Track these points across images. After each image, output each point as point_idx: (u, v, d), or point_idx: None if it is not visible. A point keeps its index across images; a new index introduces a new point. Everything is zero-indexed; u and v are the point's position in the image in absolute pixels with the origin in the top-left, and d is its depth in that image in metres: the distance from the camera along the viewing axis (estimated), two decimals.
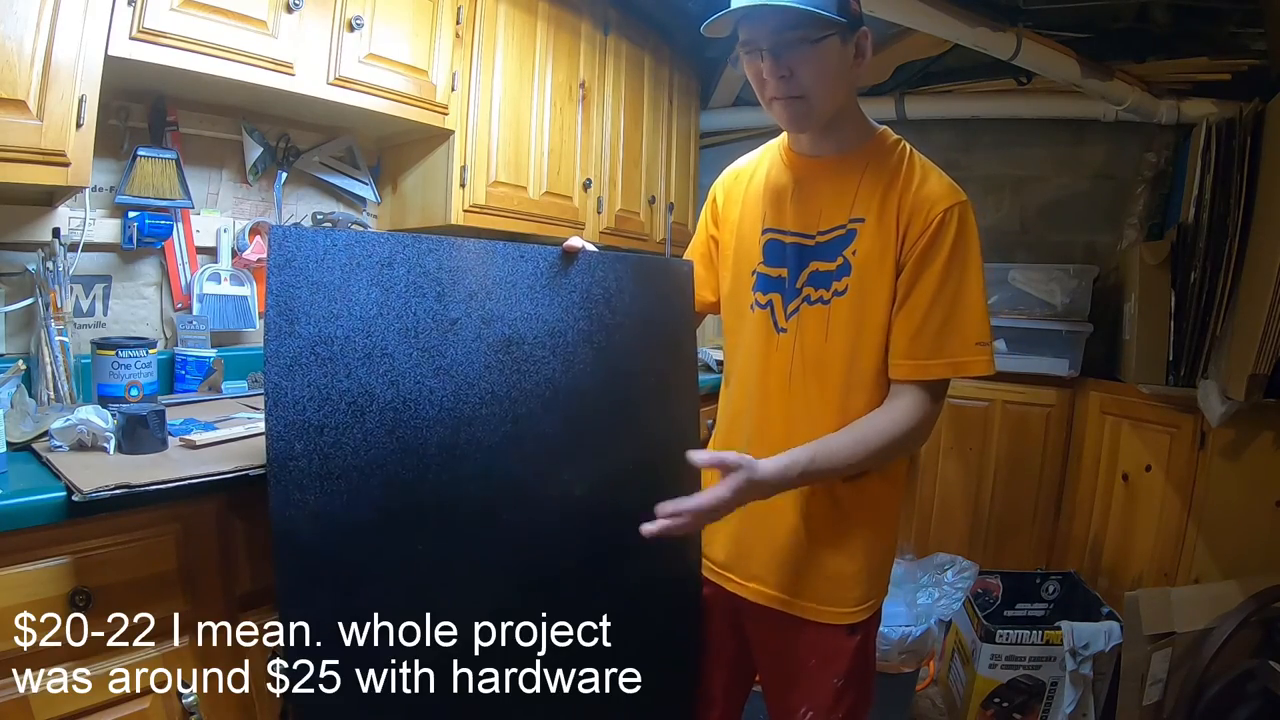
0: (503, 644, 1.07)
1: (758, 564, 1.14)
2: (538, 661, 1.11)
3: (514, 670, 1.08)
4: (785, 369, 1.09)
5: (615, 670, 1.19)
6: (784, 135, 1.16)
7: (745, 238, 1.16)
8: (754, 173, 1.19)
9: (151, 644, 1.02)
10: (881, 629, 1.84)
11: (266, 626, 1.12)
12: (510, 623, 1.07)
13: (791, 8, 0.92)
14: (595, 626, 1.16)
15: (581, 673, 1.15)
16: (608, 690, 1.19)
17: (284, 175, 1.79)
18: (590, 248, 1.13)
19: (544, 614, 1.10)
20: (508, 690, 1.09)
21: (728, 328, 1.21)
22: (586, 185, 2.30)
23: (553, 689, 1.13)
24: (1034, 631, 1.91)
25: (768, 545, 1.13)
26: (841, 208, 1.05)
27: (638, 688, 1.20)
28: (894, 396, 1.03)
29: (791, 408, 1.09)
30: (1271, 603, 1.70)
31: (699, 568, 1.26)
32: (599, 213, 2.38)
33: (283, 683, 1.11)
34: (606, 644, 1.17)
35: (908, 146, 1.07)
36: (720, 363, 2.48)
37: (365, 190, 1.97)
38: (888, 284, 1.02)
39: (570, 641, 1.13)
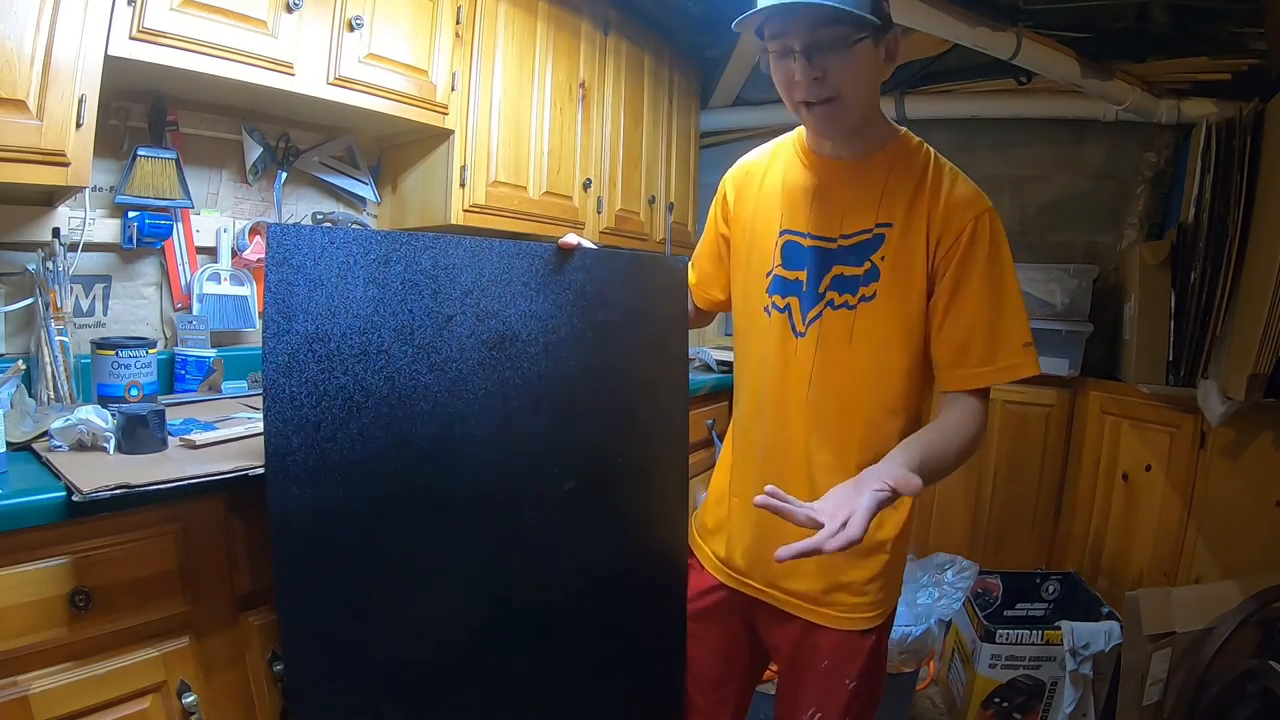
0: (497, 637, 1.09)
1: (777, 570, 1.13)
2: (530, 653, 1.12)
3: (508, 661, 1.10)
4: (805, 374, 1.07)
5: (603, 661, 1.20)
6: (798, 133, 1.14)
7: (759, 239, 1.14)
8: (767, 170, 1.16)
9: (151, 644, 1.02)
10: None
11: (267, 626, 1.13)
12: (503, 615, 1.09)
13: (829, 5, 0.89)
14: (582, 618, 1.18)
15: (571, 664, 1.17)
16: (596, 681, 1.20)
17: (284, 175, 1.79)
18: (587, 244, 1.13)
19: (534, 606, 1.12)
20: (503, 682, 1.10)
21: (738, 329, 1.19)
22: (586, 185, 2.30)
23: (545, 679, 1.15)
24: (1034, 631, 1.91)
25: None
26: (867, 211, 1.04)
27: (625, 679, 1.22)
28: (953, 404, 1.03)
29: (811, 415, 1.07)
30: (1271, 603, 1.70)
31: (684, 562, 1.28)
32: (599, 213, 2.38)
33: (283, 682, 1.12)
34: (594, 636, 1.19)
35: (931, 150, 1.06)
36: (721, 363, 2.49)
37: (365, 190, 1.97)
38: (917, 291, 1.02)
39: (559, 633, 1.15)
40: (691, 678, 1.26)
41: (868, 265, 1.03)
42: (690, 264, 1.31)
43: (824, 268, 1.06)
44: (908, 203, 1.01)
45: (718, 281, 1.25)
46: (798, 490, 1.09)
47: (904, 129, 1.07)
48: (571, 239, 1.10)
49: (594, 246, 1.14)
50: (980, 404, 1.02)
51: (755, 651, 1.23)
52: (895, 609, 1.16)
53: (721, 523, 1.22)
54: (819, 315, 1.06)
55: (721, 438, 1.33)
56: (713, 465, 1.32)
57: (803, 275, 1.08)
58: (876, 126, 1.06)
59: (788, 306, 1.10)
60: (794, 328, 1.09)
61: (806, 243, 1.08)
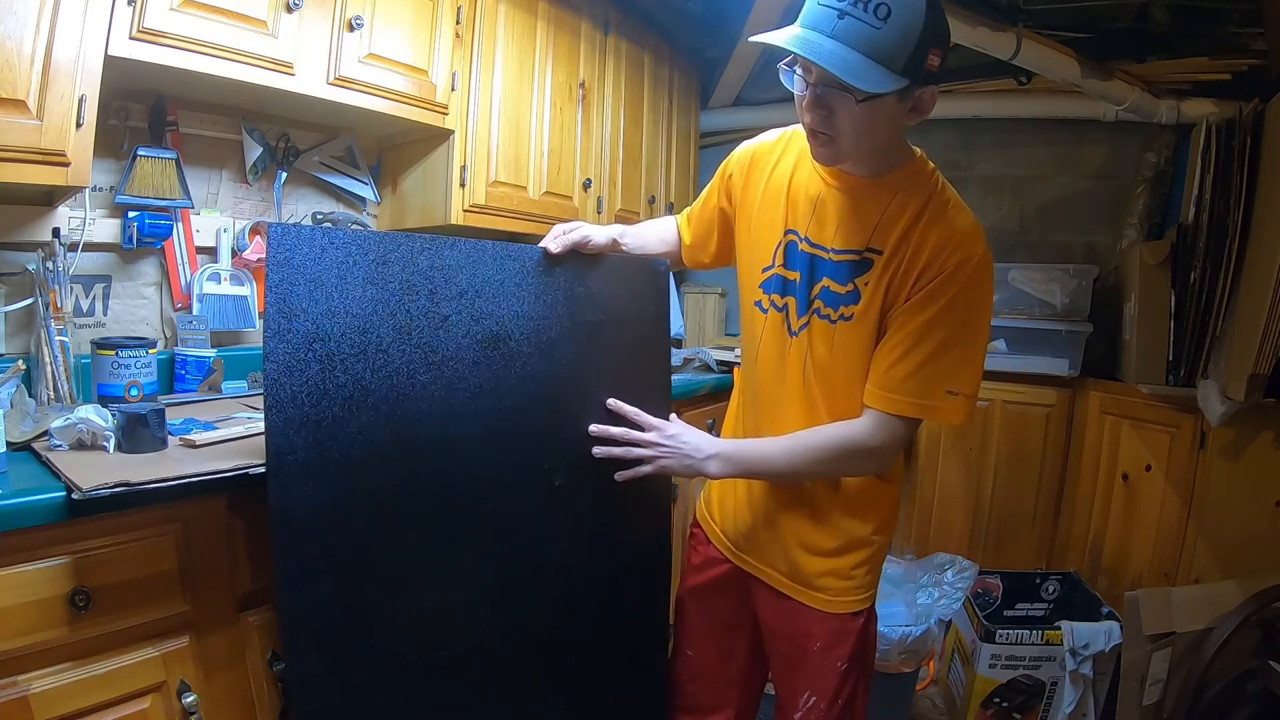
0: (490, 630, 1.10)
1: (770, 552, 1.16)
2: (522, 644, 1.14)
3: (502, 653, 1.11)
4: (799, 372, 1.10)
5: (590, 648, 1.24)
6: None
7: (761, 234, 1.14)
8: (778, 161, 1.14)
9: (151, 644, 1.02)
10: (881, 629, 1.84)
11: (267, 626, 1.13)
12: (496, 608, 1.11)
13: (837, 77, 0.86)
14: (571, 609, 1.20)
15: (561, 652, 1.20)
16: (583, 667, 1.23)
17: (284, 175, 1.79)
18: (553, 248, 1.14)
19: (525, 599, 1.14)
20: (496, 673, 1.11)
21: (742, 313, 1.22)
22: (586, 185, 2.30)
23: (536, 669, 1.17)
24: (1034, 631, 1.91)
25: (779, 536, 1.15)
26: (861, 232, 1.03)
27: (611, 666, 1.25)
28: (862, 417, 1.04)
29: (803, 411, 1.10)
30: (1271, 603, 1.70)
31: (669, 549, 1.32)
32: (599, 213, 2.38)
33: (283, 682, 1.12)
34: (582, 625, 1.22)
35: (940, 179, 1.04)
36: (721, 363, 2.49)
37: (365, 190, 1.97)
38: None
39: (550, 624, 1.17)
40: (697, 650, 1.28)
41: (851, 287, 1.04)
42: (685, 222, 1.33)
43: (815, 276, 1.08)
44: (901, 233, 1.00)
45: (706, 249, 1.29)
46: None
47: (919, 152, 1.05)
48: (554, 246, 1.13)
49: (559, 251, 1.15)
50: (884, 426, 1.02)
51: (759, 633, 1.24)
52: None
53: (725, 497, 1.25)
54: (808, 323, 1.09)
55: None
56: None
57: (797, 277, 1.10)
58: (888, 152, 1.03)
59: (785, 306, 1.11)
60: (790, 327, 1.11)
61: (804, 247, 1.09)
